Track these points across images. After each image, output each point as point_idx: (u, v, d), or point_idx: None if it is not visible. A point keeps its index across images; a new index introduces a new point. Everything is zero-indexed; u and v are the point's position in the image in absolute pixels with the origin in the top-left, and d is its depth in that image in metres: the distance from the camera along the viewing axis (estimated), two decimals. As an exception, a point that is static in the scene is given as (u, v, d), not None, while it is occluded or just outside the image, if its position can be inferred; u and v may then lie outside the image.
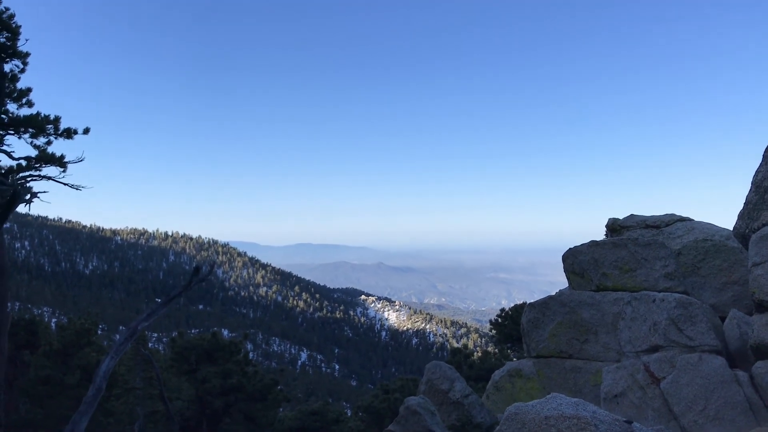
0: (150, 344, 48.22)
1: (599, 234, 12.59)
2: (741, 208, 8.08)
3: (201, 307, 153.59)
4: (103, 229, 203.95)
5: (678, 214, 11.55)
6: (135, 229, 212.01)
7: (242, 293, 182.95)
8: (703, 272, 9.80)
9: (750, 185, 7.91)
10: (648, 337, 7.84)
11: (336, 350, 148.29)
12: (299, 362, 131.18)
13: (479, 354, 32.32)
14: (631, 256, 9.04)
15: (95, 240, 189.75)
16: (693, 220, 11.27)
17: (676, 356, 7.45)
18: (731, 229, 8.72)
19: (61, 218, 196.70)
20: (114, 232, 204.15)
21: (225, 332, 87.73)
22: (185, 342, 23.30)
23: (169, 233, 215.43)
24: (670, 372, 7.33)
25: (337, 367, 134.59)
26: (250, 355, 29.94)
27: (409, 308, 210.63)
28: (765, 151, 7.73)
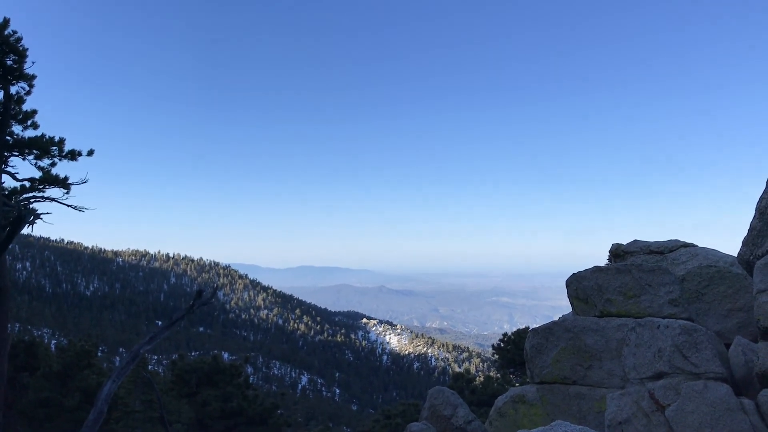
0: (150, 366, 47.97)
1: (602, 259, 12.57)
2: (745, 234, 8.07)
3: (201, 329, 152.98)
4: (104, 250, 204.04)
5: (682, 240, 11.53)
6: (136, 251, 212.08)
7: (243, 316, 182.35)
8: (707, 299, 9.76)
9: (754, 212, 7.90)
10: (653, 363, 7.78)
11: (337, 374, 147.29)
12: (300, 386, 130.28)
13: (481, 379, 32.09)
14: (635, 282, 9.01)
15: (97, 261, 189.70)
16: (697, 246, 11.24)
17: (681, 383, 7.38)
18: (735, 255, 8.69)
19: (62, 239, 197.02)
20: (115, 254, 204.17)
21: (225, 355, 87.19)
22: (185, 365, 23.22)
23: (171, 255, 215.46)
24: (675, 399, 7.26)
25: (337, 391, 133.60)
26: (251, 378, 29.77)
27: (411, 332, 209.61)
28: (769, 178, 7.74)
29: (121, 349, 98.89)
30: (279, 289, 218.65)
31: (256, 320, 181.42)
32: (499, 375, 31.90)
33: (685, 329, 7.59)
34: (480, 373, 74.39)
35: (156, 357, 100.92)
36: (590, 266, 9.83)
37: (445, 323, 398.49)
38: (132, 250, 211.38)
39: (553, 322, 9.51)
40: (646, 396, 7.55)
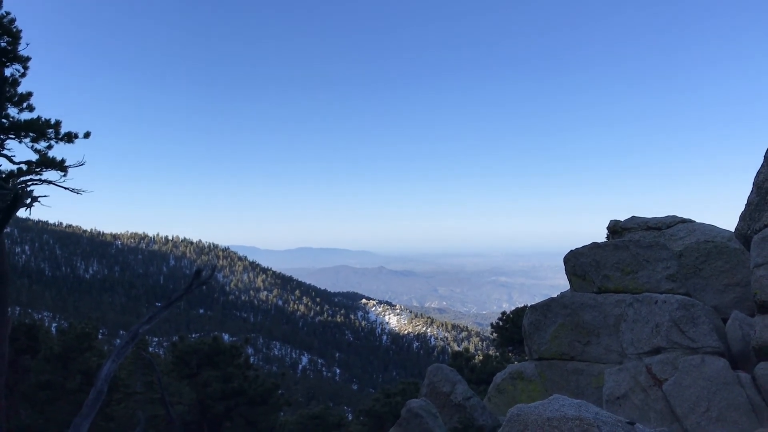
0: (151, 348, 48.12)
1: (600, 236, 12.56)
2: (743, 209, 8.07)
3: (201, 311, 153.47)
4: (103, 233, 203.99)
5: (679, 215, 11.52)
6: (135, 234, 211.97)
7: (243, 297, 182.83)
8: (704, 274, 9.78)
9: (752, 186, 7.90)
10: (650, 338, 7.82)
11: (337, 354, 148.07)
12: (300, 366, 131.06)
13: (480, 357, 32.24)
14: (633, 257, 9.02)
15: (96, 244, 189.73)
16: (694, 221, 11.24)
17: (678, 358, 7.43)
18: (733, 230, 8.70)
19: (61, 222, 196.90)
20: (114, 237, 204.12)
21: (225, 336, 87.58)
22: (186, 346, 23.26)
23: (170, 238, 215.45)
24: (672, 374, 7.31)
25: (338, 371, 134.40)
26: (251, 359, 29.86)
27: (410, 312, 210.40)
28: (766, 152, 7.73)
29: (121, 332, 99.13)
30: (278, 271, 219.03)
31: (255, 302, 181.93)
32: (498, 353, 32.06)
33: (683, 304, 7.62)
34: (479, 351, 74.77)
35: (156, 339, 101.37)
36: (587, 243, 9.85)
37: (444, 303, 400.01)
38: (131, 233, 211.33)
39: (551, 299, 9.56)
40: (644, 371, 7.60)
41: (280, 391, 24.39)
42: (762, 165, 7.81)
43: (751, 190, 7.91)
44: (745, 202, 7.99)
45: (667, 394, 7.26)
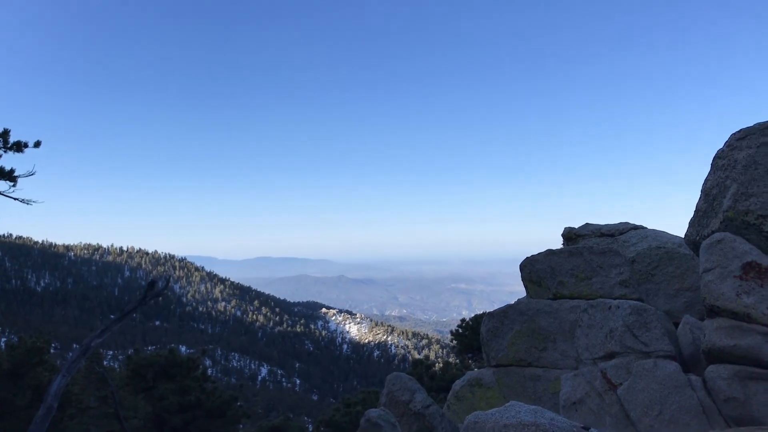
0: (105, 362, 47.01)
1: (556, 243, 12.76)
2: (692, 215, 8.27)
3: (158, 323, 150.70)
4: (55, 245, 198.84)
5: (632, 222, 11.78)
6: (89, 245, 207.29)
7: (200, 308, 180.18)
8: (656, 279, 10.00)
9: (700, 193, 8.11)
10: (604, 343, 7.94)
11: (297, 364, 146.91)
12: (259, 377, 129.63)
13: (440, 365, 32.37)
14: (587, 264, 9.17)
15: (47, 256, 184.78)
16: (646, 228, 11.50)
17: (632, 362, 7.56)
18: (683, 236, 8.91)
19: (11, 234, 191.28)
20: (67, 248, 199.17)
21: (183, 348, 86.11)
22: (141, 359, 22.82)
23: (125, 248, 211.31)
24: (626, 378, 7.43)
25: (298, 381, 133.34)
26: (209, 371, 29.45)
27: (371, 320, 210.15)
28: (713, 160, 7.95)
29: (75, 345, 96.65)
30: (237, 281, 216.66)
31: (213, 313, 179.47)
32: (458, 360, 32.22)
33: (635, 309, 7.76)
34: (439, 359, 75.03)
35: (111, 352, 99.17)
36: (544, 250, 9.98)
37: (405, 311, 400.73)
38: (84, 244, 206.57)
39: (508, 306, 9.63)
40: (599, 376, 7.71)
41: (238, 403, 24.10)
42: (709, 172, 8.02)
43: (699, 197, 8.11)
44: (694, 209, 8.19)
45: (622, 398, 7.38)
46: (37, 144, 16.30)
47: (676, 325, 8.72)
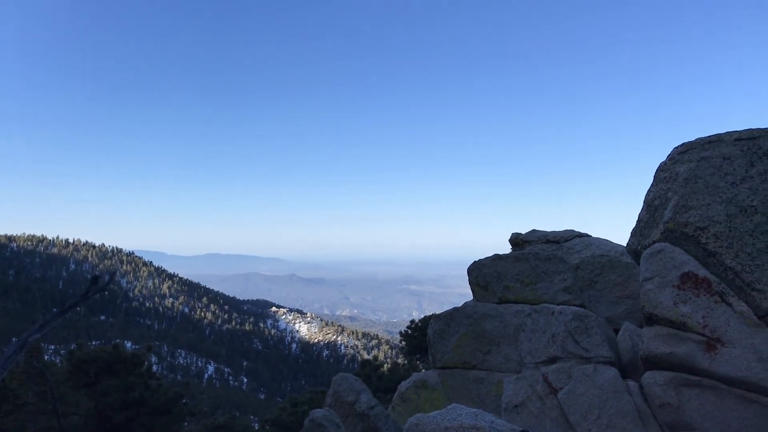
0: (46, 357, 45.73)
1: (503, 248, 12.93)
2: (634, 225, 8.48)
3: (103, 318, 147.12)
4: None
5: (577, 230, 12.03)
6: (33, 236, 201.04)
7: (147, 304, 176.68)
8: (599, 286, 10.23)
9: (642, 204, 8.32)
10: (547, 348, 8.09)
11: (244, 363, 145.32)
12: (206, 375, 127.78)
13: (389, 365, 32.49)
14: (532, 269, 9.33)
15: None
16: (591, 236, 11.76)
17: (572, 367, 7.72)
18: (625, 245, 9.14)
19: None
20: (9, 239, 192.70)
21: (128, 344, 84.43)
22: (84, 354, 22.26)
23: (71, 241, 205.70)
24: (567, 382, 7.58)
25: (245, 380, 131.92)
26: (155, 367, 28.95)
27: (321, 320, 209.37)
28: (656, 172, 8.16)
29: (14, 339, 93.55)
30: (185, 277, 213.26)
31: (161, 309, 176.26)
32: (406, 361, 32.38)
33: (578, 315, 7.93)
34: (388, 359, 75.31)
35: (53, 347, 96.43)
36: (491, 254, 10.11)
37: (355, 311, 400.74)
38: (28, 235, 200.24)
39: (455, 309, 9.72)
40: (541, 380, 7.85)
41: (183, 401, 23.74)
42: (652, 184, 8.23)
43: (642, 207, 8.32)
44: (637, 219, 8.39)
45: (562, 402, 7.53)
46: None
47: (617, 331, 8.94)
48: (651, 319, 7.10)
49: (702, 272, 6.92)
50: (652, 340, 6.97)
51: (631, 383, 7.27)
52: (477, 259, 10.07)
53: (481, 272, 9.76)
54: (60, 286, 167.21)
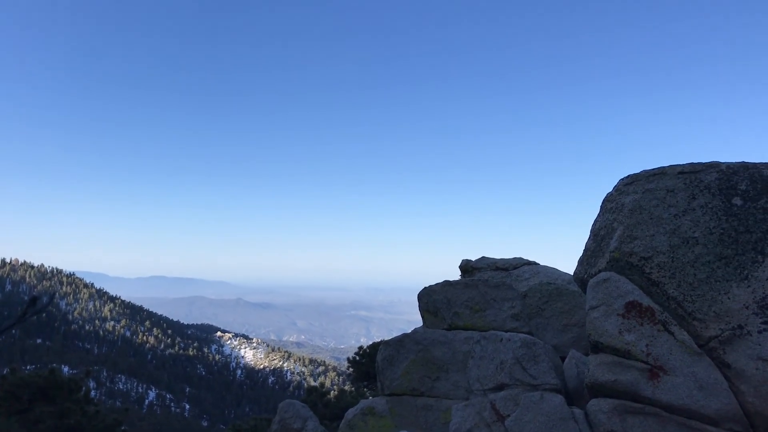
0: (-24, 382, 43.69)
1: (454, 274, 13.01)
2: (581, 254, 8.64)
3: (39, 341, 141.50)
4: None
5: (525, 257, 12.21)
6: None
7: (87, 327, 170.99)
8: (546, 314, 10.36)
9: (589, 233, 8.49)
10: (495, 375, 8.12)
11: (187, 389, 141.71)
12: (147, 401, 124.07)
13: (336, 392, 32.10)
14: (482, 296, 9.39)
15: None
16: (539, 264, 11.94)
17: (520, 394, 7.76)
18: (572, 273, 9.29)
19: None
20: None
21: (65, 369, 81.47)
22: (18, 379, 21.33)
23: (7, 260, 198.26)
24: (514, 410, 7.61)
25: (187, 406, 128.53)
26: (93, 393, 27.97)
27: (268, 345, 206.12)
28: (603, 203, 8.36)
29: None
30: (128, 300, 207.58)
31: (101, 332, 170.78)
32: (353, 388, 32.07)
33: (525, 342, 8.00)
34: (335, 386, 74.52)
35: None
36: (441, 281, 10.14)
37: (303, 337, 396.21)
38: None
39: (404, 335, 9.69)
40: (488, 407, 7.85)
41: (122, 427, 22.94)
42: (599, 214, 8.41)
43: (588, 237, 8.48)
44: (584, 248, 8.55)
45: (510, 430, 7.54)
46: None
47: (563, 359, 9.05)
48: (596, 347, 7.21)
49: (646, 301, 7.09)
50: (598, 367, 7.07)
51: (577, 410, 7.35)
52: (427, 285, 10.09)
53: (431, 298, 9.77)
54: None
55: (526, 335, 8.39)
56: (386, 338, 11.69)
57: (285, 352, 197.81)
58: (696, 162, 7.58)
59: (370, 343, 32.17)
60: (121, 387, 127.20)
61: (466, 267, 12.20)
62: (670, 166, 7.67)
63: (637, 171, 7.97)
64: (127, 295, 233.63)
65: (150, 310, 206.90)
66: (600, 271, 7.66)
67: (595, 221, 8.40)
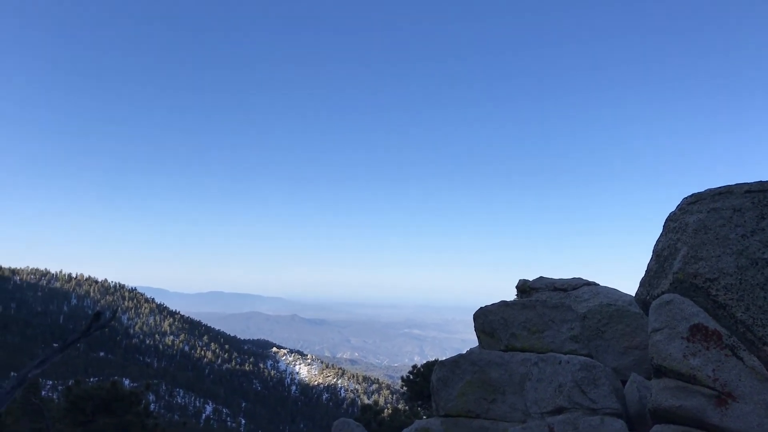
0: (44, 392, 45.29)
1: (510, 294, 12.83)
2: (643, 275, 8.42)
3: (102, 354, 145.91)
4: (0, 267, 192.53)
5: (585, 278, 11.94)
6: (36, 270, 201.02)
7: (147, 341, 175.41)
8: (606, 336, 10.10)
9: (651, 253, 8.27)
10: (553, 398, 7.95)
11: (243, 404, 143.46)
12: (204, 415, 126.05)
13: (390, 411, 32.00)
14: (540, 317, 9.23)
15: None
16: (598, 284, 11.66)
17: (579, 418, 7.57)
18: (633, 295, 9.05)
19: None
20: (13, 272, 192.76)
21: (126, 382, 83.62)
22: (82, 391, 22.05)
23: (73, 275, 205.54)
24: (573, 434, 7.43)
25: (243, 421, 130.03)
26: (152, 406, 28.56)
27: (322, 362, 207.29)
28: (665, 222, 8.14)
29: (13, 374, 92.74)
30: (187, 315, 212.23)
31: (161, 346, 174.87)
32: (407, 407, 31.90)
33: (585, 365, 7.81)
34: (389, 405, 74.23)
35: (51, 382, 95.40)
36: (498, 301, 10.01)
37: (357, 354, 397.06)
38: (31, 269, 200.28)
39: (460, 355, 9.59)
40: (546, 431, 7.69)
41: (180, 442, 23.42)
42: (661, 233, 8.20)
43: (651, 257, 8.26)
44: (645, 269, 8.33)
45: (568, 455, 7.36)
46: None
47: (624, 382, 8.79)
48: (660, 371, 6.98)
49: (712, 324, 6.84)
50: (661, 392, 6.84)
51: (639, 437, 7.13)
52: (483, 305, 9.97)
53: (487, 319, 9.65)
54: (61, 321, 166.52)
55: (585, 358, 8.20)
56: (440, 358, 11.57)
57: (339, 369, 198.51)
58: (764, 180, 7.32)
59: (424, 362, 32.00)
60: (179, 401, 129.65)
61: (523, 287, 12.01)
62: (737, 185, 7.42)
63: (701, 190, 7.73)
64: (185, 310, 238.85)
65: (208, 325, 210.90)
66: (663, 293, 7.43)
67: (658, 241, 8.18)
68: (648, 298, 7.95)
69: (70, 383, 23.90)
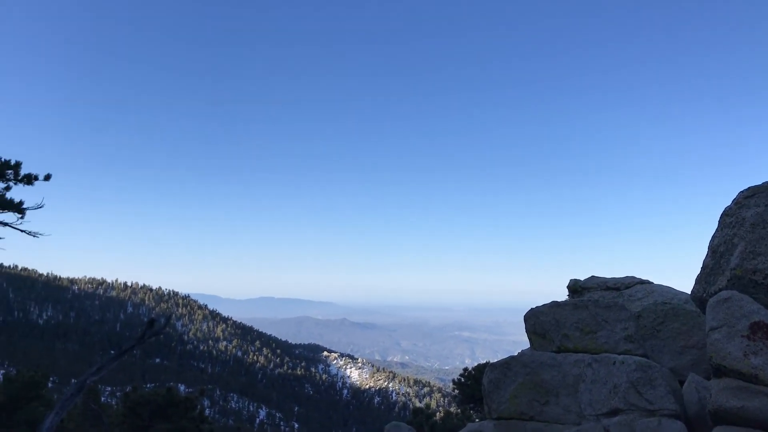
0: (103, 398, 46.56)
1: (561, 295, 12.64)
2: (698, 272, 8.20)
3: (158, 360, 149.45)
4: (59, 277, 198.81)
5: (638, 276, 11.69)
6: (93, 279, 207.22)
7: (201, 347, 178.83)
8: (662, 335, 9.86)
9: (707, 250, 8.05)
10: (608, 400, 7.80)
11: (296, 408, 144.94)
12: (258, 420, 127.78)
13: (441, 414, 31.86)
14: (592, 317, 9.07)
15: (51, 289, 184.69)
16: (652, 283, 11.40)
17: (635, 420, 7.41)
18: (689, 292, 8.82)
19: (16, 265, 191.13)
20: (71, 281, 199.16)
21: (181, 387, 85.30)
22: (139, 396, 22.59)
23: (129, 284, 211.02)
24: (630, 436, 7.27)
25: (296, 425, 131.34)
26: (207, 411, 29.05)
27: (372, 366, 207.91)
28: (721, 217, 7.92)
29: (73, 380, 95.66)
30: (239, 321, 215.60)
31: (214, 352, 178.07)
32: (459, 410, 31.74)
33: (640, 366, 7.64)
34: (441, 408, 73.86)
35: (110, 388, 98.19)
36: (549, 301, 9.88)
37: (407, 357, 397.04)
38: (89, 278, 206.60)
39: (511, 357, 9.49)
40: (602, 432, 7.55)
41: (235, 446, 23.78)
42: (717, 229, 7.99)
43: (706, 253, 8.05)
44: (701, 266, 8.12)
45: (625, 457, 7.21)
46: (48, 177, 16.51)
47: (681, 383, 8.56)
48: (719, 371, 6.78)
49: (773, 322, 6.61)
50: (721, 393, 6.64)
51: (700, 439, 6.93)
52: (534, 306, 9.85)
53: (539, 320, 9.53)
54: (117, 329, 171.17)
55: (640, 358, 8.01)
56: (492, 360, 11.47)
57: (390, 372, 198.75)
58: (826, 172, 7.04)
59: (475, 364, 31.79)
60: (233, 406, 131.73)
61: (575, 287, 11.81)
62: (796, 177, 7.16)
63: (758, 183, 7.49)
64: (237, 315, 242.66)
65: (260, 330, 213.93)
66: (720, 290, 7.23)
67: (713, 237, 7.96)
68: (704, 295, 7.74)
69: (127, 389, 24.52)
